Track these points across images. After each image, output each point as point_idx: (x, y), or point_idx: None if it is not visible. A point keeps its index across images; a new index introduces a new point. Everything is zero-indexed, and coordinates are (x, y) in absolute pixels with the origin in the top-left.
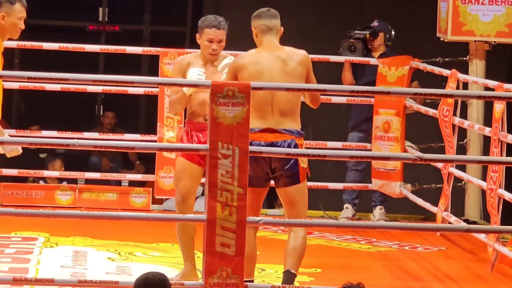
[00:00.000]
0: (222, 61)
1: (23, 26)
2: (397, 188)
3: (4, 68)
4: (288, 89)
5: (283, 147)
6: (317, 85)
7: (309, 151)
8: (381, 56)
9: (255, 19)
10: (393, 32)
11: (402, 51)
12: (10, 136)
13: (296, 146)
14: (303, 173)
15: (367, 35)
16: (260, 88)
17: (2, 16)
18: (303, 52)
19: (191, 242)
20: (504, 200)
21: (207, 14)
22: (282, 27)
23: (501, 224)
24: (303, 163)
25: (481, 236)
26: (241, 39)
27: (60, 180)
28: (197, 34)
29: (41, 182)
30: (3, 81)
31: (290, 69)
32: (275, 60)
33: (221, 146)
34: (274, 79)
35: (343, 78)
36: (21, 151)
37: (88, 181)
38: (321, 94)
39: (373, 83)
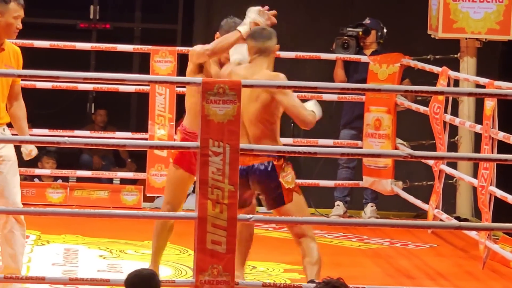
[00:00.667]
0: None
1: (19, 26)
2: (388, 186)
3: None
4: (278, 87)
5: (259, 169)
6: (307, 83)
7: (300, 149)
8: (373, 53)
9: (248, 39)
10: (385, 30)
11: (393, 49)
12: None
13: (273, 168)
14: (288, 194)
15: (360, 33)
16: (251, 86)
17: None
18: (272, 76)
19: (164, 245)
20: (496, 197)
21: (198, 12)
22: (278, 45)
23: (492, 221)
24: (288, 183)
25: (473, 234)
26: None
27: (55, 178)
28: (217, 33)
29: (36, 180)
30: None
31: (255, 94)
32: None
33: (211, 143)
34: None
35: (335, 75)
36: (34, 153)
37: (79, 179)
38: (312, 92)
39: (365, 81)
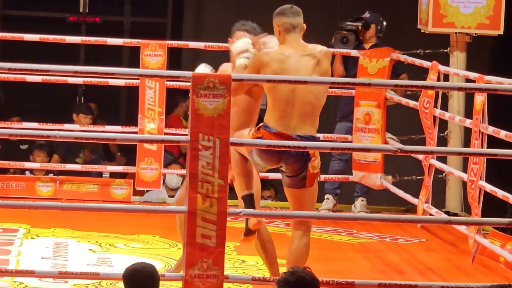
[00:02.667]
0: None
1: None
2: (378, 180)
3: None
4: (269, 81)
5: (294, 155)
6: (298, 77)
7: (290, 143)
8: (372, 47)
9: (278, 17)
10: (384, 24)
11: (384, 43)
12: None
13: (308, 154)
14: (311, 179)
15: (359, 27)
16: (241, 80)
17: None
18: (324, 48)
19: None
20: (485, 192)
21: (188, 6)
22: (305, 24)
23: (482, 216)
24: (313, 168)
25: (462, 228)
26: (221, 30)
27: (47, 172)
28: (229, 39)
29: (27, 173)
30: None
31: (318, 66)
32: (301, 59)
33: (201, 137)
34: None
35: (334, 70)
36: None
37: (69, 173)
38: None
39: None
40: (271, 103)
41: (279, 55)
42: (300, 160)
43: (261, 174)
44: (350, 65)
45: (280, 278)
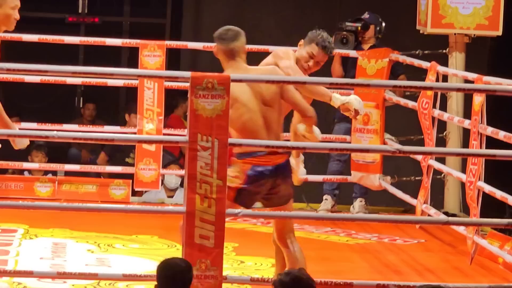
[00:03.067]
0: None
1: (17, 16)
2: (377, 181)
3: None
4: (271, 82)
5: (285, 168)
6: (296, 77)
7: (289, 143)
8: (371, 48)
9: (216, 41)
10: (383, 24)
11: (382, 44)
12: None
13: (288, 163)
14: (291, 189)
15: (359, 28)
16: (240, 80)
17: None
18: (270, 67)
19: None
20: (484, 193)
21: (186, 6)
22: (244, 46)
23: (481, 217)
24: (295, 181)
25: (461, 229)
26: None
27: (45, 172)
28: (303, 40)
29: (26, 173)
30: None
31: (264, 90)
32: (246, 88)
33: (200, 138)
34: (251, 103)
35: (332, 70)
36: (27, 143)
37: (67, 173)
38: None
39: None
40: None
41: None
42: (289, 172)
43: None
44: (349, 66)
45: (275, 279)
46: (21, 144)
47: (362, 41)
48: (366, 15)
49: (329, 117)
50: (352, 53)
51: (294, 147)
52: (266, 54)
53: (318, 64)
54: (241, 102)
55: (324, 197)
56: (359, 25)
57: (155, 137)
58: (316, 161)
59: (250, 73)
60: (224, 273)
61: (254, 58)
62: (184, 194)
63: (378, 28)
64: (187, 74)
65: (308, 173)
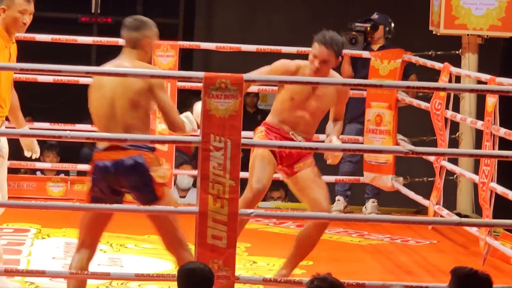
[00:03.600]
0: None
1: (26, 20)
2: (389, 181)
3: None
4: (280, 82)
5: (128, 164)
6: (309, 78)
7: (301, 144)
8: (380, 48)
9: (122, 28)
10: (392, 25)
11: (395, 44)
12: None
13: (144, 162)
14: (159, 189)
15: (368, 28)
16: (253, 81)
17: (3, 9)
18: (144, 64)
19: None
20: (496, 194)
21: (199, 6)
22: (148, 39)
23: (493, 218)
24: (160, 178)
25: (473, 230)
26: (232, 31)
27: (58, 172)
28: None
29: (38, 173)
30: None
31: (128, 83)
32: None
33: (213, 138)
34: (115, 91)
35: (342, 70)
36: (36, 150)
37: (80, 173)
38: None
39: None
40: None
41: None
42: (135, 171)
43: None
44: (359, 66)
45: (311, 286)
46: (28, 147)
47: (372, 42)
48: (375, 16)
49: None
50: (365, 53)
51: (306, 147)
52: (278, 54)
53: (326, 63)
54: (103, 89)
55: (336, 198)
56: (368, 25)
57: (168, 137)
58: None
59: (120, 67)
60: (237, 273)
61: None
62: (196, 195)
63: (387, 29)
64: (201, 74)
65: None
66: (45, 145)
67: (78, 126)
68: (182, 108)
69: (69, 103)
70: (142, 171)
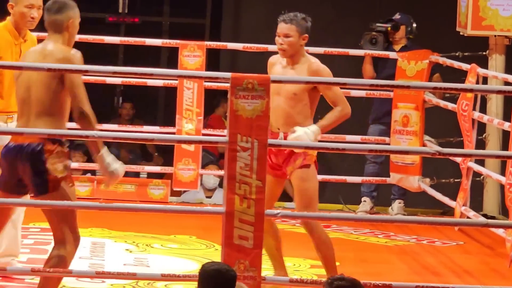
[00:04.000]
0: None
1: (34, 15)
2: (416, 182)
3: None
4: (307, 83)
5: (28, 149)
6: (337, 79)
7: (328, 145)
8: (402, 49)
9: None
10: (414, 25)
11: (422, 45)
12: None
13: (41, 151)
14: (53, 183)
15: (388, 28)
16: (280, 81)
17: (11, 6)
18: (64, 54)
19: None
20: None
21: (226, 6)
22: (72, 20)
23: None
24: (57, 172)
25: (500, 231)
26: (260, 31)
27: (84, 171)
28: None
29: None
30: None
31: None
32: (36, 56)
33: (240, 138)
34: (33, 75)
35: (363, 71)
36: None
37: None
38: (342, 88)
39: (393, 77)
40: None
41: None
42: (31, 158)
43: None
44: (380, 67)
45: (329, 282)
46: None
47: (393, 42)
48: (397, 16)
49: (365, 119)
50: (392, 54)
51: (334, 148)
52: None
53: (288, 37)
54: (22, 74)
55: (363, 199)
56: (388, 25)
57: (195, 138)
58: (352, 162)
59: (32, 54)
60: (263, 273)
61: None
62: (223, 195)
63: (409, 29)
64: (228, 74)
65: (344, 174)
66: (71, 145)
67: (105, 126)
68: (208, 108)
69: (96, 102)
70: (36, 160)
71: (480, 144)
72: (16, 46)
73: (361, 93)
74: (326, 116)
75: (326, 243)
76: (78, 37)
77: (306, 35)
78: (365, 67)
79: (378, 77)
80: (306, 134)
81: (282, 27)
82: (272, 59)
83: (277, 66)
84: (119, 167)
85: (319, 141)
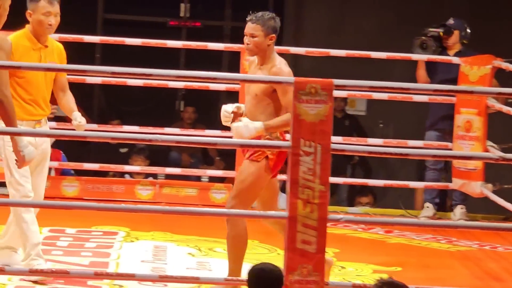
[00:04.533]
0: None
1: (51, 22)
2: (478, 188)
3: (85, 63)
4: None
5: None
6: (400, 84)
7: (392, 150)
8: (456, 54)
9: None
10: (468, 30)
11: (484, 50)
12: (91, 130)
13: None
14: None
15: (441, 33)
16: (343, 86)
17: (29, 14)
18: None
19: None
20: None
21: (288, 9)
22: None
23: None
24: None
25: None
26: (322, 35)
27: (146, 175)
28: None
29: (127, 176)
30: (87, 75)
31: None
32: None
33: (303, 143)
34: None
35: (417, 77)
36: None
37: (168, 176)
38: (404, 93)
39: (449, 81)
40: None
41: None
42: None
43: (361, 180)
44: (431, 72)
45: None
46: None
47: (447, 47)
48: (450, 21)
49: (422, 125)
50: (455, 59)
51: (397, 153)
52: (367, 60)
53: (253, 37)
54: None
55: (426, 204)
56: (441, 30)
57: (257, 142)
58: (412, 169)
59: None
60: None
61: (354, 63)
62: (286, 199)
63: (463, 34)
64: (291, 79)
65: (402, 179)
66: (134, 149)
67: (167, 130)
68: None
69: (158, 106)
70: None
71: None
72: (35, 51)
73: (424, 98)
74: (276, 118)
75: (238, 237)
76: (141, 41)
77: (273, 35)
78: (418, 73)
79: (432, 82)
80: (246, 127)
81: (248, 26)
82: (252, 58)
83: (252, 66)
84: (31, 152)
85: (382, 146)
